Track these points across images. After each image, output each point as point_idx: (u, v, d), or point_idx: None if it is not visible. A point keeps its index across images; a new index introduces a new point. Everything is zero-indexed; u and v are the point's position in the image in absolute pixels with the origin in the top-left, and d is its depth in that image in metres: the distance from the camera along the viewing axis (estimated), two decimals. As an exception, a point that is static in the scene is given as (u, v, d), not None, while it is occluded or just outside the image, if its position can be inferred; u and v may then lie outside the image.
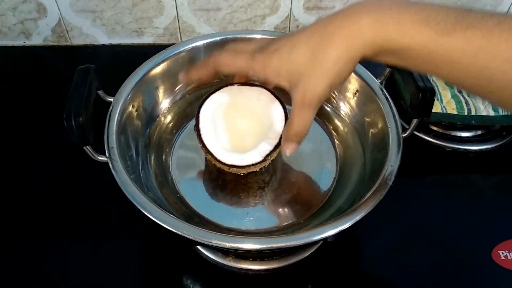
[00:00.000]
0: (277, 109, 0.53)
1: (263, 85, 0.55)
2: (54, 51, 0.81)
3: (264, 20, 0.79)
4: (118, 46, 0.81)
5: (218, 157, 0.50)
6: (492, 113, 0.62)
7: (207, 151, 0.51)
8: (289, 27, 0.81)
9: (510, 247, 0.53)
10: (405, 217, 0.57)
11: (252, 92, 0.54)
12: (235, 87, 0.54)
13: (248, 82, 0.55)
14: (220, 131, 0.53)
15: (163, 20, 0.78)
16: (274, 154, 0.51)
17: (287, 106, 0.54)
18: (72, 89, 0.46)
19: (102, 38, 0.81)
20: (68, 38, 0.80)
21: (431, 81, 0.49)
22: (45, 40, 0.80)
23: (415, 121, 0.51)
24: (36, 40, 0.80)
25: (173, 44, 0.61)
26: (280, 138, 0.51)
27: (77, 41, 0.81)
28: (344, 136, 0.59)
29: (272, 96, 0.54)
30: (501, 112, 0.62)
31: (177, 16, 0.78)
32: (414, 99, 0.49)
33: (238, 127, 0.55)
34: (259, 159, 0.50)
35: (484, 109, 0.63)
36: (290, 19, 0.80)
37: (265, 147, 0.51)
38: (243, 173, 0.53)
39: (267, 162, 0.51)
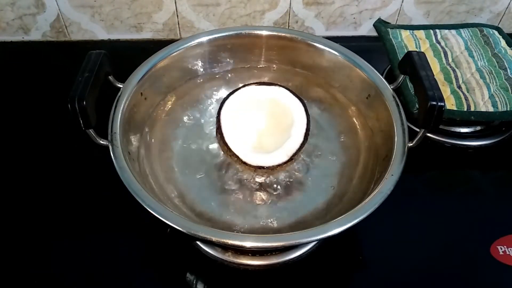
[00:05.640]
0: (297, 107, 0.52)
1: (281, 84, 0.54)
2: (53, 46, 0.80)
3: (264, 16, 0.79)
4: (117, 41, 0.81)
5: (244, 159, 0.49)
6: (491, 109, 0.62)
7: (232, 154, 0.50)
8: (289, 23, 0.81)
9: (509, 242, 0.53)
10: (404, 211, 0.57)
11: (270, 91, 0.53)
12: (253, 87, 0.53)
13: (265, 82, 0.54)
14: (242, 132, 0.52)
15: (162, 15, 0.78)
16: (299, 153, 0.50)
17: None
18: (79, 73, 0.46)
19: (101, 33, 0.80)
20: (67, 34, 0.80)
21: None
22: (43, 36, 0.80)
23: (422, 131, 0.49)
24: (34, 36, 0.80)
25: (172, 39, 0.60)
26: (304, 136, 0.50)
27: (76, 36, 0.80)
28: (352, 137, 0.58)
29: (291, 94, 0.53)
30: (500, 108, 0.62)
31: (176, 11, 0.77)
32: (422, 108, 0.48)
33: (259, 128, 0.55)
34: (286, 158, 0.49)
35: (483, 105, 0.63)
36: (289, 14, 0.79)
37: (291, 146, 0.50)
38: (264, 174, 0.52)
39: (294, 161, 0.50)
